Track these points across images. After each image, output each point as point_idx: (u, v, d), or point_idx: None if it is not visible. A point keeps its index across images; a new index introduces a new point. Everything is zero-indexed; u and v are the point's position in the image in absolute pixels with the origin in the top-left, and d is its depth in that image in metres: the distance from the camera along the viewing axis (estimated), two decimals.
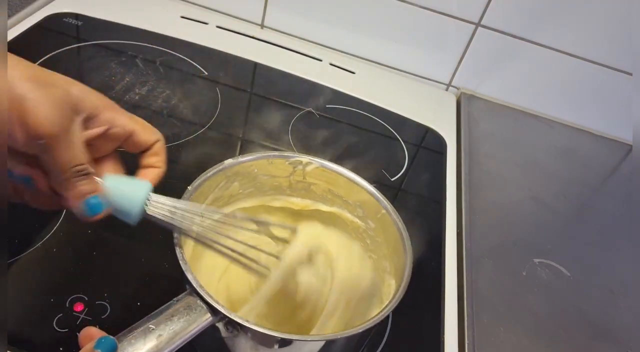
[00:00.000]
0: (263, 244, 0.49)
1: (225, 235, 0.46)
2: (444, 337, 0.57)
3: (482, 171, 0.82)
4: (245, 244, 0.47)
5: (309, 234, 0.51)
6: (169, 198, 0.44)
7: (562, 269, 0.70)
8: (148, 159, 0.44)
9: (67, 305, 0.49)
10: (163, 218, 0.43)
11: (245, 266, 0.46)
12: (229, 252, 0.45)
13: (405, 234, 0.51)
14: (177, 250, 0.43)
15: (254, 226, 0.50)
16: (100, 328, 0.47)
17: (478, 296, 0.62)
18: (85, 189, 0.39)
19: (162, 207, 0.43)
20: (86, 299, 0.50)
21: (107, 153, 0.43)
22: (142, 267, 0.54)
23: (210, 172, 0.51)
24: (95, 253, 0.54)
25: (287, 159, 0.55)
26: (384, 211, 0.53)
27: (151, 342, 0.37)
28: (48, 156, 0.36)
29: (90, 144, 0.40)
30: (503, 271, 0.67)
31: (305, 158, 0.55)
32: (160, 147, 0.44)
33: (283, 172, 0.56)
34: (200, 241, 0.45)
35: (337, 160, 0.56)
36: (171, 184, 0.62)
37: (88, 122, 0.39)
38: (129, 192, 0.41)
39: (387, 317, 0.56)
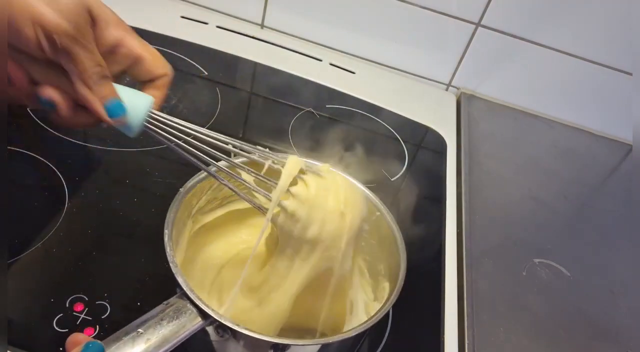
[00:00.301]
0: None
1: (226, 163, 0.44)
2: (444, 337, 0.57)
3: (482, 171, 0.82)
4: (246, 169, 0.45)
5: (294, 162, 0.46)
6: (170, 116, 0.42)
7: (562, 269, 0.70)
8: (148, 90, 0.43)
9: (67, 305, 0.49)
10: (162, 133, 0.41)
11: (247, 196, 0.45)
12: (228, 180, 0.44)
13: (399, 236, 0.51)
14: (168, 252, 0.43)
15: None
16: (100, 328, 0.47)
17: (478, 296, 0.62)
18: (106, 90, 0.39)
19: (163, 121, 0.41)
20: (86, 299, 0.50)
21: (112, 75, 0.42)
22: (142, 267, 0.54)
23: (203, 173, 0.50)
24: (95, 253, 0.54)
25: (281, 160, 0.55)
26: (378, 213, 0.53)
27: (139, 346, 0.37)
28: (68, 57, 0.36)
29: None
30: (503, 271, 0.67)
31: None
32: (165, 82, 0.44)
33: (277, 173, 0.56)
34: (199, 164, 0.43)
35: (337, 160, 0.56)
36: (169, 184, 0.62)
37: (98, 35, 0.39)
38: (131, 101, 0.40)
39: (387, 316, 0.57)
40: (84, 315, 0.48)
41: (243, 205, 0.57)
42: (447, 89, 0.99)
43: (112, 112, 0.39)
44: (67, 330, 0.47)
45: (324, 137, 0.79)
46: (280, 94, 0.85)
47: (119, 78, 0.43)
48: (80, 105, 0.40)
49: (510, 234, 0.73)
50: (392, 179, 0.76)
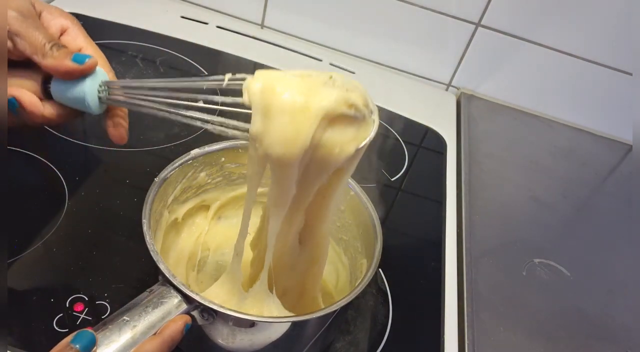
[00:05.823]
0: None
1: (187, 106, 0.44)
2: (444, 337, 0.57)
3: (482, 171, 0.82)
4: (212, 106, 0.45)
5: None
6: (123, 80, 0.44)
7: (562, 269, 0.70)
8: None
9: (67, 305, 0.49)
10: (121, 100, 0.42)
11: (216, 129, 0.45)
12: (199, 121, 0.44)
13: (374, 213, 0.52)
14: (148, 241, 0.43)
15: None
16: None
17: (478, 296, 0.62)
18: (66, 52, 0.41)
19: (117, 89, 0.42)
20: (86, 299, 0.50)
21: None
22: (142, 267, 0.54)
23: (177, 162, 0.51)
24: (95, 253, 0.54)
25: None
26: (352, 193, 0.54)
27: (126, 334, 0.37)
28: (23, 37, 0.40)
29: None
30: (503, 271, 0.67)
31: None
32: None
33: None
34: (165, 115, 0.43)
35: None
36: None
37: (44, 23, 0.43)
38: (79, 82, 0.42)
39: (387, 316, 0.57)
40: (84, 315, 0.48)
41: (219, 192, 0.57)
42: (447, 89, 0.99)
43: (79, 59, 0.41)
44: (67, 330, 0.47)
45: None
46: None
47: None
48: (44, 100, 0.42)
49: (510, 233, 0.73)
50: (392, 179, 0.76)
